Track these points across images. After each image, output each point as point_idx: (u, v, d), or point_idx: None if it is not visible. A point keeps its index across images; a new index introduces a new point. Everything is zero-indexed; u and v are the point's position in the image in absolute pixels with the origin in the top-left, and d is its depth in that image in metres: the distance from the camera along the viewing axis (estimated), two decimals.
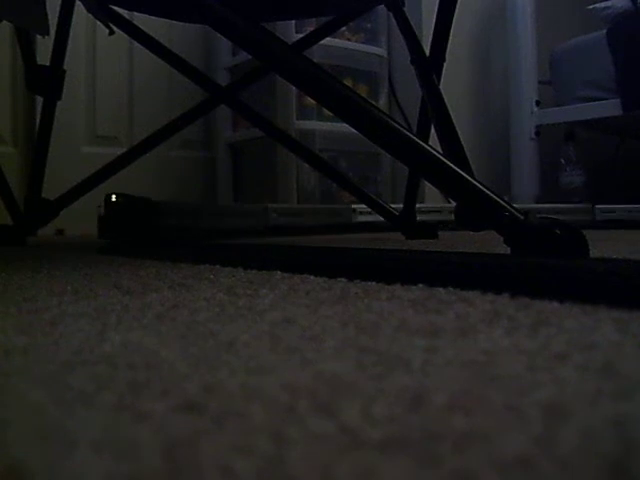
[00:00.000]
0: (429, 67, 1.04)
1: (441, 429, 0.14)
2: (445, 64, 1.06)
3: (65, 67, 1.15)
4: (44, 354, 0.23)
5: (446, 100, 1.00)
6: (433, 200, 1.83)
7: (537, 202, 1.95)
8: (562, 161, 2.10)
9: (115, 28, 1.05)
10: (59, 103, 1.17)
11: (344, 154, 1.90)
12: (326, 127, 1.83)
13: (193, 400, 0.17)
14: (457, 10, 1.02)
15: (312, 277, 0.45)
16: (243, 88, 1.37)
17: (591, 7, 1.98)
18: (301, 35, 1.54)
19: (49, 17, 0.91)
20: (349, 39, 1.93)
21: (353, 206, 1.58)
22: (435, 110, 1.00)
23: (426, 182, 1.43)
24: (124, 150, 1.31)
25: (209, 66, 2.05)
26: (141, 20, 1.24)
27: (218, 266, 0.55)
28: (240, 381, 0.18)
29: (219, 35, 0.75)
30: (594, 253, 0.49)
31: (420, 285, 0.38)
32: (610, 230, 1.47)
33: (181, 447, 0.13)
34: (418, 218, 1.25)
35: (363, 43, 1.96)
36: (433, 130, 1.02)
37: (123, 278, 0.48)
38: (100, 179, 1.20)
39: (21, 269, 0.61)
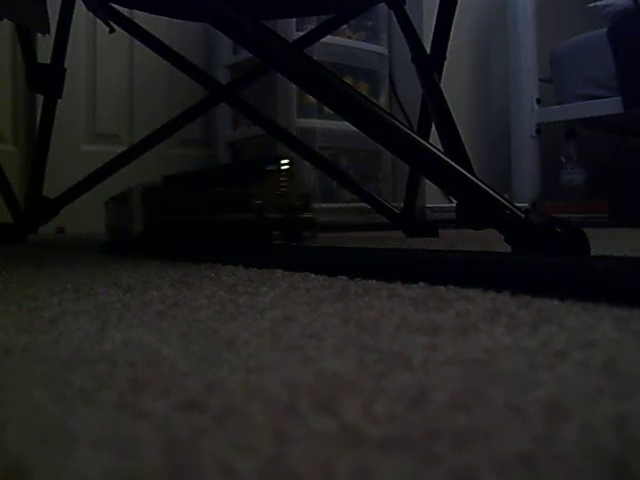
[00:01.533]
0: (430, 65, 1.04)
1: (442, 427, 0.14)
2: (445, 62, 1.05)
3: (65, 65, 1.15)
4: (44, 352, 0.23)
5: (447, 98, 1.00)
6: (434, 199, 1.83)
7: (538, 200, 1.95)
8: (563, 159, 2.10)
9: (115, 26, 1.05)
10: (59, 101, 1.17)
11: (345, 152, 1.89)
12: (327, 125, 1.83)
13: (194, 398, 0.17)
14: (458, 8, 1.02)
15: (312, 275, 0.45)
16: (244, 86, 1.37)
17: (592, 5, 1.97)
18: (302, 33, 1.54)
19: (49, 15, 0.91)
20: (350, 37, 1.92)
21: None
22: (436, 108, 1.00)
23: (427, 180, 1.42)
24: (124, 148, 1.31)
25: (209, 64, 2.05)
26: (141, 18, 1.24)
27: (219, 264, 0.55)
28: (241, 379, 0.18)
29: (220, 33, 0.75)
30: (595, 251, 0.49)
31: (421, 283, 0.38)
32: (611, 228, 1.47)
33: (182, 445, 0.13)
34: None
35: (364, 41, 1.96)
36: (434, 128, 1.02)
37: (123, 276, 0.48)
38: (100, 177, 1.20)
39: (22, 267, 0.61)
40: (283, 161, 0.63)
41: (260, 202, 0.61)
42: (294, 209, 0.62)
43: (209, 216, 0.68)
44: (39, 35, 1.17)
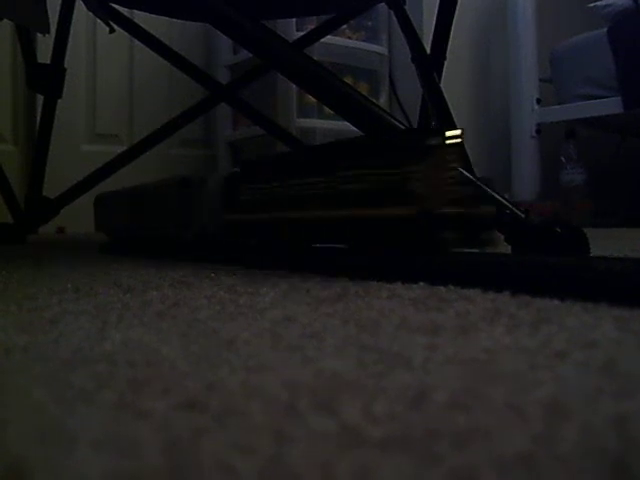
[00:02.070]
0: (430, 65, 1.04)
1: (442, 427, 0.14)
2: (445, 62, 1.05)
3: (65, 65, 1.15)
4: (44, 352, 0.23)
5: (447, 98, 1.00)
6: None
7: (538, 200, 1.95)
8: (563, 159, 2.10)
9: (115, 26, 1.05)
10: (59, 101, 1.17)
11: None
12: (327, 125, 1.83)
13: (194, 398, 0.17)
14: (458, 8, 1.02)
15: (312, 276, 0.45)
16: (244, 86, 1.37)
17: (592, 5, 1.97)
18: (302, 33, 1.54)
19: (49, 15, 0.91)
20: (350, 37, 1.92)
21: None
22: (436, 108, 0.99)
23: None
24: (124, 148, 1.31)
25: (209, 64, 2.05)
26: (141, 18, 1.23)
27: (219, 265, 0.55)
28: (241, 379, 0.18)
29: (220, 33, 0.75)
30: (595, 251, 0.49)
31: (421, 283, 0.38)
32: (611, 228, 1.47)
33: (182, 445, 0.13)
34: None
35: (364, 41, 1.96)
36: None
37: (123, 276, 0.48)
38: (100, 177, 1.20)
39: (22, 267, 0.61)
40: (450, 132, 0.43)
41: (422, 190, 0.41)
42: (470, 200, 0.43)
43: (333, 211, 0.48)
44: (39, 35, 1.17)
